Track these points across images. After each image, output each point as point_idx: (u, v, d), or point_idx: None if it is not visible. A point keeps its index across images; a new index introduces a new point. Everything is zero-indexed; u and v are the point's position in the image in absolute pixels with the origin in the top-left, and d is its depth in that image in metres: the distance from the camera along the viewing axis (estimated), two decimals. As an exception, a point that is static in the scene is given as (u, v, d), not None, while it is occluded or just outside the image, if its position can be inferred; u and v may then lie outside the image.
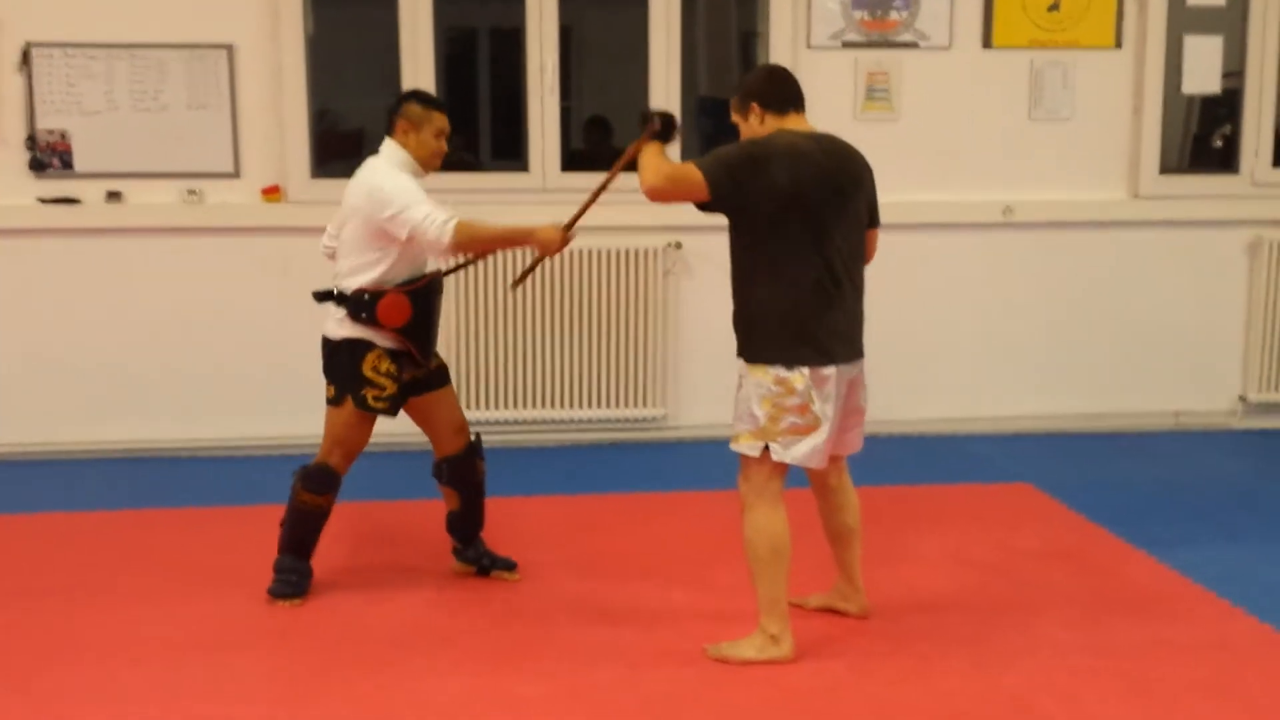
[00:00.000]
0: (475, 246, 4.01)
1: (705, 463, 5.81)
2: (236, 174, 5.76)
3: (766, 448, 3.58)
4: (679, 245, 5.96)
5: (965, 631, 3.85)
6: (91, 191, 5.67)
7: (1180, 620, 3.95)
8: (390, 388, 4.03)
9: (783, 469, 3.63)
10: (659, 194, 3.59)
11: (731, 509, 4.67)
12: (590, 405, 6.01)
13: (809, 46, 5.94)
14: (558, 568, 4.38)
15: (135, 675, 3.57)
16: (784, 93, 3.68)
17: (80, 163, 5.65)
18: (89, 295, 5.74)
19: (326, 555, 4.35)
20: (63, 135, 5.63)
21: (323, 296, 4.06)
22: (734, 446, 3.66)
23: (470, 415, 5.72)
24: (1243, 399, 6.40)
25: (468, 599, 4.12)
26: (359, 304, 3.97)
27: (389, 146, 4.06)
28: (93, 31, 5.58)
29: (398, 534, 4.67)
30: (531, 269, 4.31)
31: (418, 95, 4.15)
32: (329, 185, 5.80)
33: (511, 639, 3.82)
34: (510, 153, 5.94)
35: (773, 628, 3.62)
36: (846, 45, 5.96)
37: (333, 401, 4.07)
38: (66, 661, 3.66)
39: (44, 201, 5.64)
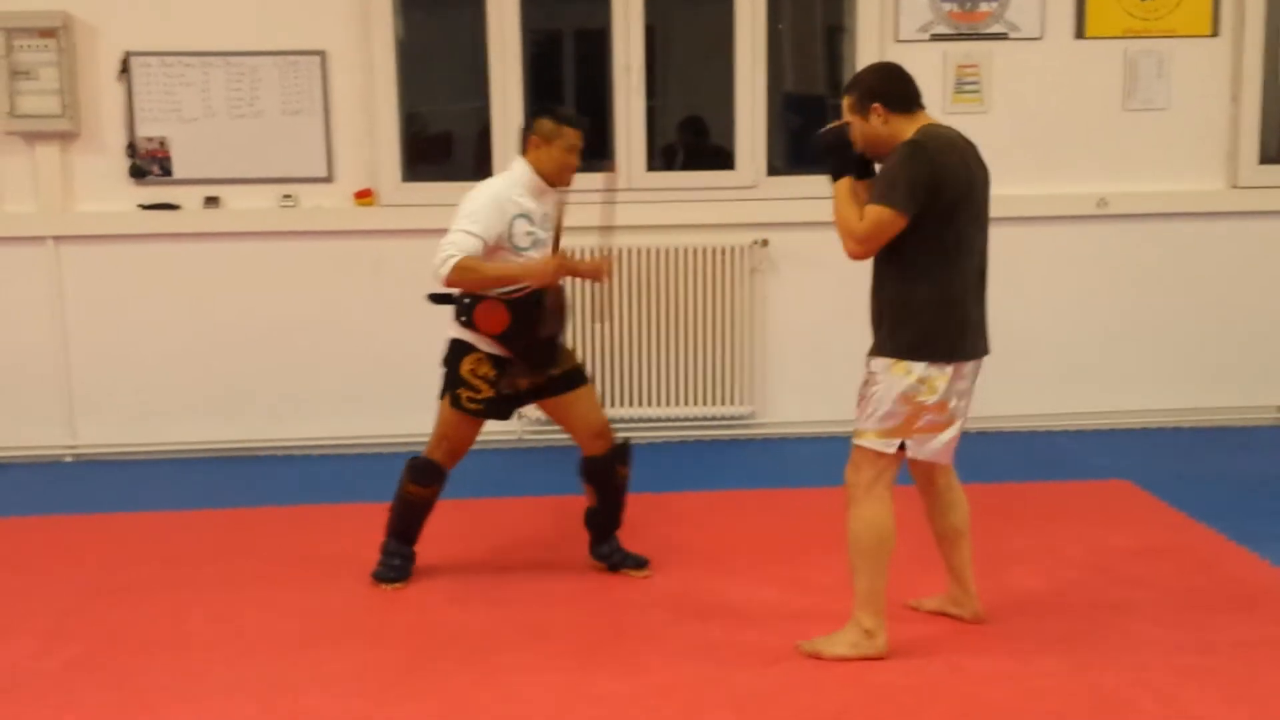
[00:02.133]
0: (469, 284, 3.98)
1: (793, 459, 5.81)
2: (330, 178, 5.85)
3: (901, 445, 3.53)
4: (765, 243, 5.94)
5: (1062, 630, 3.79)
6: (190, 197, 5.80)
7: (1284, 619, 3.86)
8: (485, 391, 4.09)
9: (897, 463, 3.58)
10: (861, 256, 3.53)
11: (822, 505, 4.65)
12: (678, 403, 6.02)
13: (897, 40, 5.89)
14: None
15: (231, 670, 3.64)
16: (907, 90, 3.57)
17: (179, 169, 5.78)
18: (188, 299, 5.86)
19: (424, 551, 4.41)
20: (162, 143, 5.76)
21: (439, 298, 4.15)
22: (861, 442, 3.58)
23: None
24: (1348, 392, 6.23)
25: (560, 595, 4.15)
26: (461, 307, 4.09)
27: (518, 163, 4.13)
28: (189, 41, 5.70)
29: (499, 530, 4.71)
30: (604, 308, 4.32)
31: (551, 110, 4.17)
32: (420, 189, 5.89)
33: (602, 635, 3.84)
34: (596, 153, 5.95)
35: (868, 622, 3.60)
36: (935, 38, 5.90)
37: (440, 396, 4.19)
38: (163, 656, 3.74)
39: (144, 208, 5.77)
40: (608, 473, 4.26)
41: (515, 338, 4.07)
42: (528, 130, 4.13)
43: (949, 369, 3.48)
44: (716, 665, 3.60)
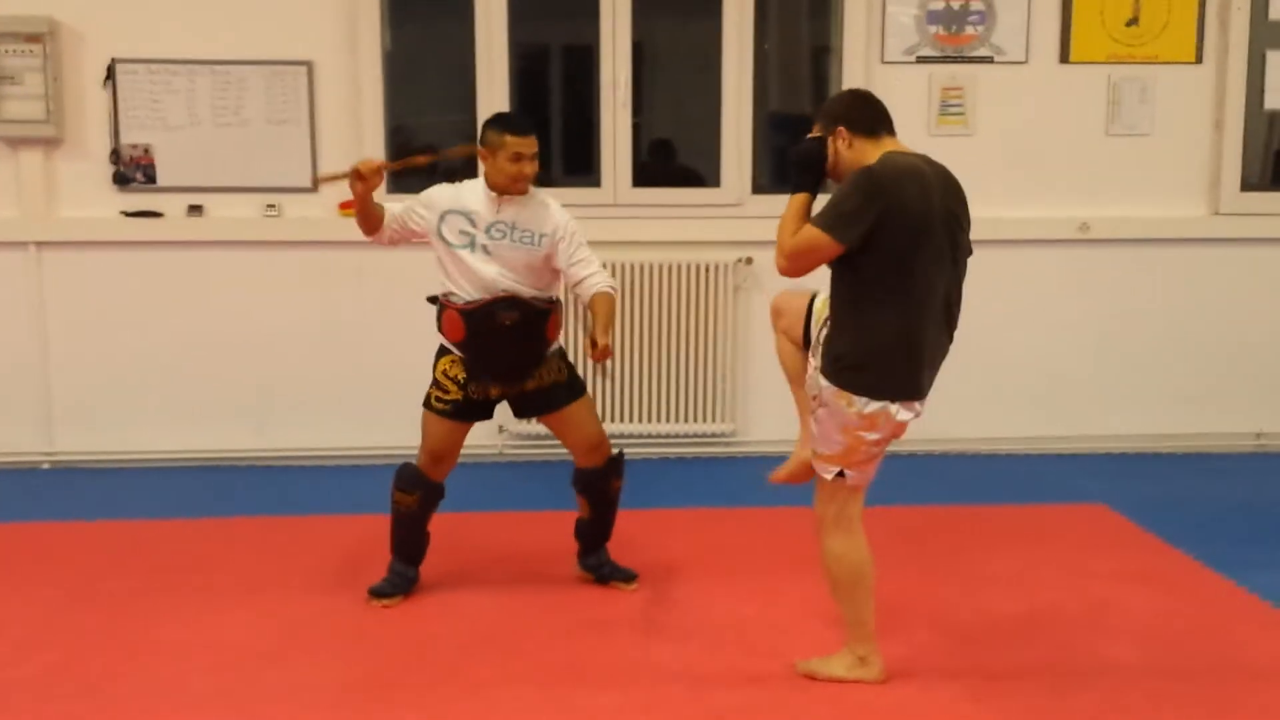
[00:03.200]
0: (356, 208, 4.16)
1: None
2: (315, 189, 5.84)
3: (841, 473, 3.50)
4: (750, 261, 5.95)
5: (1038, 652, 3.80)
6: (173, 205, 5.79)
7: (1260, 645, 3.87)
8: (454, 392, 4.12)
9: (859, 491, 3.56)
10: (788, 274, 3.45)
11: (801, 524, 4.66)
12: (659, 420, 6.02)
13: (883, 61, 5.92)
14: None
15: (207, 680, 3.62)
16: (872, 115, 3.48)
17: (163, 177, 5.77)
18: (170, 307, 5.85)
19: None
20: (146, 150, 5.75)
21: (434, 299, 4.21)
22: (813, 463, 3.58)
23: (539, 428, 5.78)
24: (1326, 420, 6.27)
25: (540, 609, 4.14)
26: (436, 311, 4.17)
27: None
28: (175, 49, 5.70)
29: (479, 544, 4.69)
30: (338, 176, 4.28)
31: (496, 119, 4.14)
32: (404, 201, 5.86)
33: (581, 650, 3.83)
34: (581, 167, 5.97)
35: (860, 650, 3.58)
36: (921, 60, 5.93)
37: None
38: (139, 665, 3.72)
39: (127, 215, 5.76)
40: (602, 485, 4.26)
41: (471, 347, 4.09)
42: (480, 140, 4.11)
43: (894, 409, 3.40)
44: (695, 682, 3.60)
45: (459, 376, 4.13)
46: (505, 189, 4.06)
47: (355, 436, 5.95)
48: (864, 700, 3.49)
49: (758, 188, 6.07)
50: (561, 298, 4.26)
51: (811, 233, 3.35)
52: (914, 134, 3.78)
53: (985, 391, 5.97)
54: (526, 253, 4.06)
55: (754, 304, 6.02)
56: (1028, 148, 6.02)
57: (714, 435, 6.09)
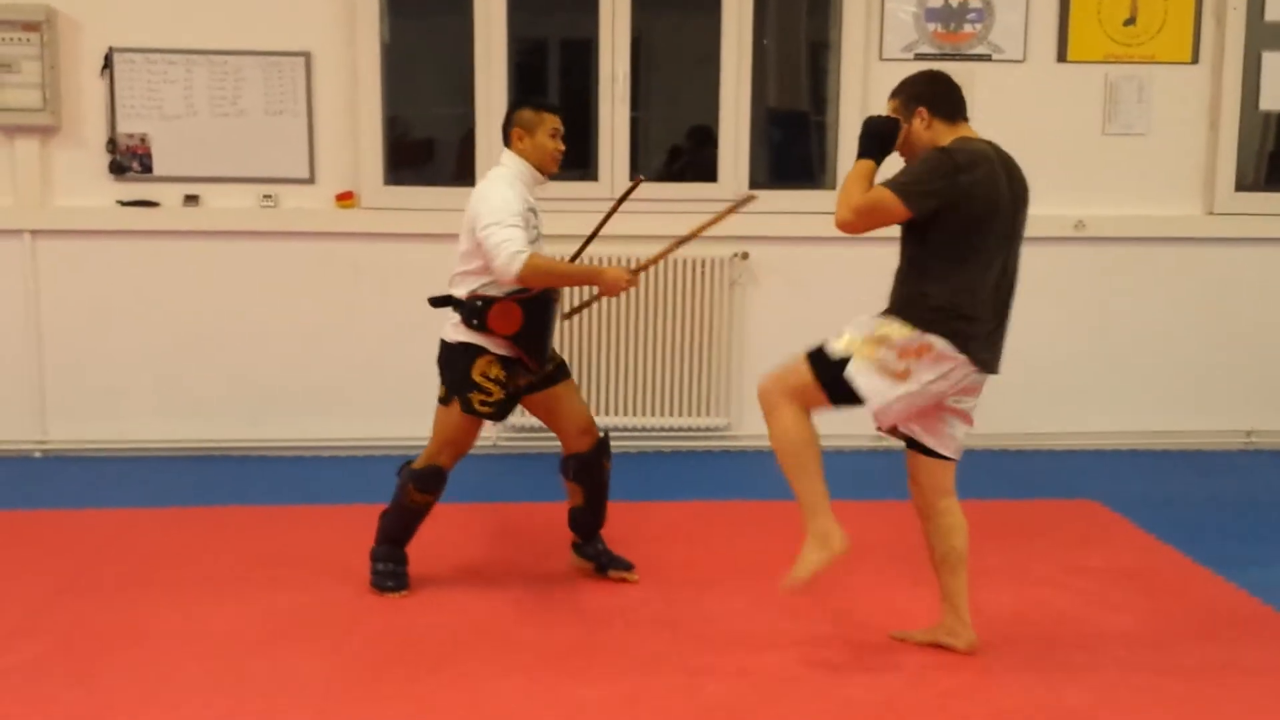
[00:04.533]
0: (542, 281, 3.96)
1: (768, 472, 5.77)
2: (311, 180, 5.85)
3: (844, 365, 3.49)
4: (745, 256, 5.96)
5: (1029, 648, 3.81)
6: (170, 195, 5.79)
7: (1249, 641, 3.88)
8: (497, 394, 4.08)
9: (820, 401, 3.56)
10: (849, 228, 3.51)
11: (796, 518, 4.67)
12: (654, 414, 6.03)
13: (881, 58, 5.93)
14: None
15: (197, 669, 3.62)
16: (952, 100, 3.57)
17: (159, 166, 5.77)
18: (165, 296, 5.85)
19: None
20: (143, 139, 5.75)
21: (439, 302, 4.13)
22: (811, 348, 3.59)
23: (533, 420, 5.78)
24: (1318, 419, 6.29)
25: (530, 601, 4.15)
26: (472, 310, 4.03)
27: (507, 156, 4.12)
28: (173, 38, 5.69)
29: (470, 536, 4.71)
30: (587, 304, 4.35)
31: (528, 100, 4.18)
32: (401, 192, 5.90)
33: (572, 642, 3.84)
34: (579, 162, 5.97)
35: (820, 525, 3.56)
36: (919, 57, 5.94)
37: (442, 401, 4.15)
38: (129, 654, 3.72)
39: (123, 204, 5.76)
40: (594, 467, 4.25)
41: (525, 337, 4.06)
42: (509, 124, 4.12)
43: (937, 346, 3.44)
44: (686, 675, 3.61)
45: (500, 376, 4.07)
46: (546, 167, 4.10)
47: (348, 428, 5.96)
48: (855, 695, 3.49)
49: (755, 183, 6.07)
50: None
51: (884, 194, 3.43)
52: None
53: (979, 388, 5.97)
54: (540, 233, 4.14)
55: (749, 299, 6.04)
56: (1024, 146, 5.88)
57: (708, 429, 6.10)
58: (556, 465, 4.32)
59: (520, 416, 5.64)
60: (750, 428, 6.11)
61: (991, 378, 3.68)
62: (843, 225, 3.53)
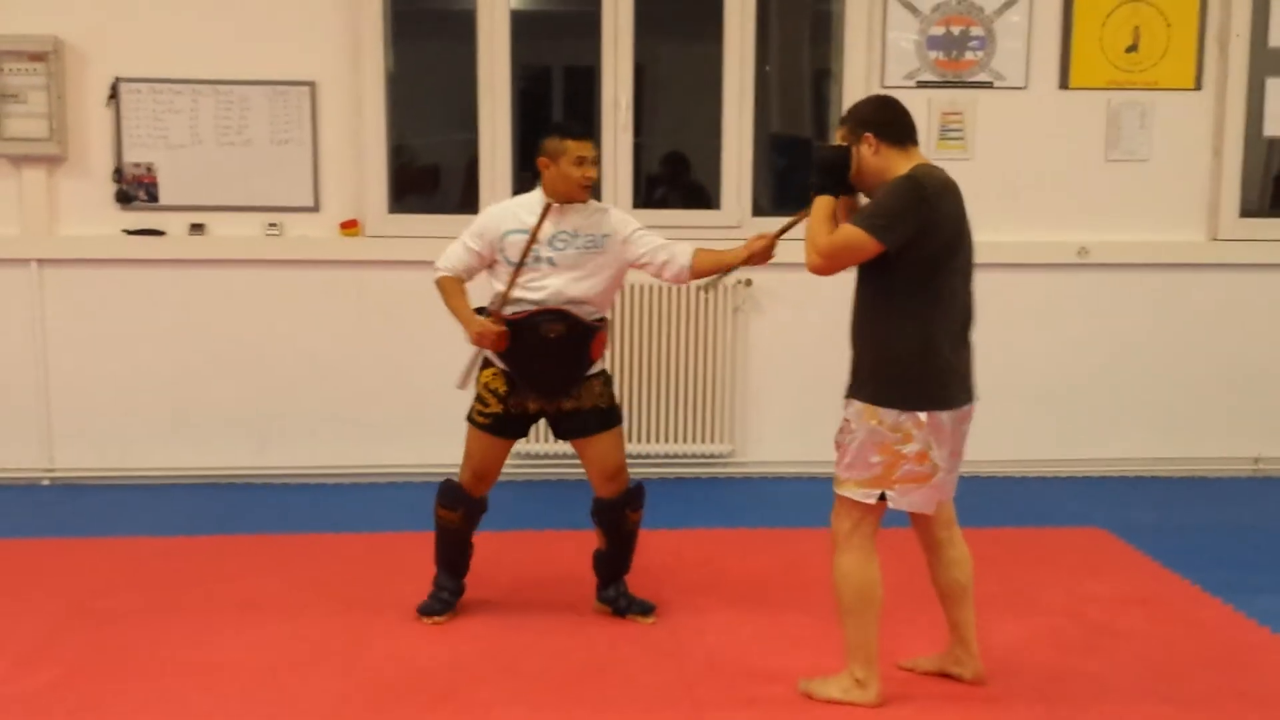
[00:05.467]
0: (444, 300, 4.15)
1: (772, 499, 5.82)
2: (316, 208, 5.86)
3: (882, 496, 3.47)
4: (749, 282, 5.97)
5: (1035, 677, 3.80)
6: (175, 224, 5.80)
7: (1257, 670, 3.87)
8: (494, 406, 4.12)
9: (877, 513, 3.51)
10: (821, 271, 3.47)
11: (801, 545, 4.68)
12: (659, 440, 6.02)
13: (883, 86, 5.94)
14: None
15: (205, 698, 3.62)
16: (901, 125, 3.50)
17: (165, 195, 5.79)
18: (170, 325, 5.85)
19: (399, 583, 4.40)
20: (148, 168, 5.77)
21: (480, 310, 4.18)
22: (841, 491, 3.52)
23: (539, 448, 5.79)
24: (1324, 446, 6.28)
25: (535, 630, 4.14)
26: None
27: (537, 189, 4.13)
28: (179, 68, 5.72)
29: (481, 565, 4.69)
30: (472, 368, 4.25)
31: (555, 126, 4.15)
32: (406, 220, 5.91)
33: (577, 672, 3.83)
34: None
35: (859, 673, 3.56)
36: (921, 85, 5.96)
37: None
38: (138, 683, 3.72)
39: (129, 233, 5.78)
40: (617, 516, 4.22)
41: (514, 359, 4.08)
42: (539, 153, 4.10)
43: (924, 417, 3.40)
44: (692, 706, 3.60)
45: (499, 389, 4.12)
46: (570, 195, 4.05)
47: (356, 455, 5.96)
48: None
49: (758, 210, 6.09)
50: (609, 317, 4.26)
51: (853, 232, 3.37)
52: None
53: (983, 415, 5.89)
54: (593, 257, 4.07)
55: (752, 325, 6.04)
56: (1027, 172, 6.04)
57: (713, 456, 6.09)
58: (566, 492, 4.32)
59: (531, 443, 5.65)
60: (754, 454, 6.12)
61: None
62: (814, 269, 3.47)
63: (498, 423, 4.14)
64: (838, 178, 3.52)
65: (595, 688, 3.71)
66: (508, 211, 4.11)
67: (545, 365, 4.09)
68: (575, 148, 4.02)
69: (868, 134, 3.47)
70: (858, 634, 3.55)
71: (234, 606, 4.32)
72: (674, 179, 6.36)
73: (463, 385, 4.19)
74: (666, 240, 4.15)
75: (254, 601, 4.37)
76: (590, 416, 4.17)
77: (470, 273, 4.13)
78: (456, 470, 4.25)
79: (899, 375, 3.42)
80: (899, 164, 3.45)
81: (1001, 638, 4.08)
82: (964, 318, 3.52)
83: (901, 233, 3.33)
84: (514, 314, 4.04)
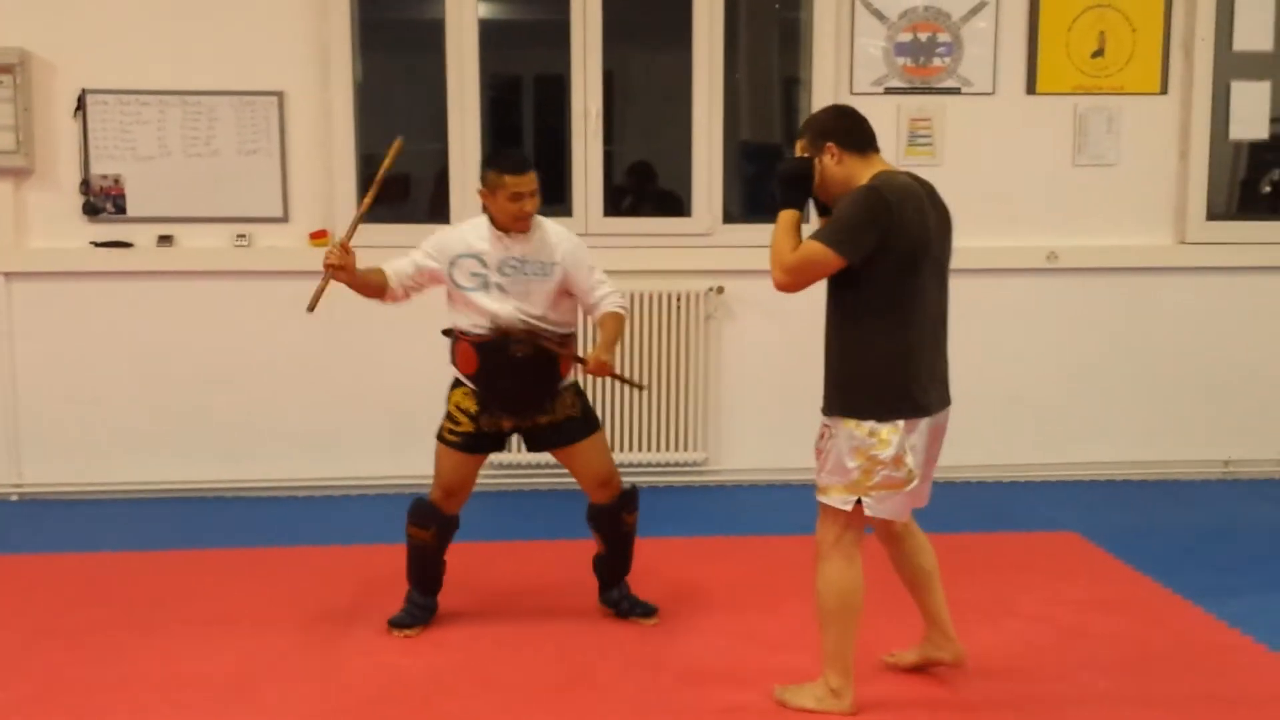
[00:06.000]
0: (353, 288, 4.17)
1: (746, 507, 5.81)
2: (285, 219, 5.84)
3: (859, 502, 3.46)
4: (721, 290, 5.97)
5: (1009, 682, 3.81)
6: (143, 235, 5.77)
7: (1230, 673, 3.89)
8: (465, 425, 4.12)
9: (861, 519, 3.50)
10: (786, 289, 3.45)
11: (774, 553, 4.68)
12: (631, 449, 6.02)
13: (851, 92, 5.96)
14: (602, 612, 4.38)
15: (176, 714, 3.59)
16: (861, 132, 3.49)
17: (133, 207, 5.75)
18: (140, 337, 5.82)
19: (373, 594, 4.38)
20: (116, 180, 5.73)
21: (448, 332, 4.21)
22: (822, 499, 3.51)
23: (510, 459, 5.77)
24: (1293, 448, 6.33)
25: (515, 641, 4.12)
26: (450, 343, 4.16)
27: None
28: (146, 79, 5.69)
29: (454, 576, 4.68)
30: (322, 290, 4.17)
31: (494, 159, 4.13)
32: (376, 230, 5.85)
33: (555, 682, 3.82)
34: (554, 196, 5.98)
35: (834, 681, 3.55)
36: (889, 91, 5.98)
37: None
38: (109, 699, 3.69)
39: (97, 245, 5.74)
40: (613, 520, 4.25)
41: (483, 379, 4.08)
42: (480, 181, 4.11)
43: (900, 424, 3.41)
44: (669, 714, 3.59)
45: (470, 409, 4.12)
46: (508, 228, 4.07)
47: (327, 468, 5.93)
48: None
49: (729, 217, 6.10)
50: (578, 332, 4.29)
51: (814, 247, 3.36)
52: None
53: (956, 420, 5.89)
54: (542, 284, 4.09)
55: (725, 333, 6.05)
56: (995, 178, 6.06)
57: (686, 464, 6.09)
58: (542, 502, 4.31)
59: (504, 453, 5.62)
60: (728, 462, 6.12)
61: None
62: (780, 287, 3.46)
63: (469, 440, 4.15)
64: (802, 189, 3.51)
65: (572, 698, 3.70)
66: (459, 235, 4.15)
67: (514, 384, 4.09)
68: (512, 183, 4.00)
69: (829, 144, 3.46)
70: (836, 642, 3.54)
71: (205, 621, 4.29)
72: (641, 188, 6.35)
73: (310, 308, 4.09)
74: (603, 289, 4.18)
75: (225, 616, 4.34)
76: (568, 427, 4.19)
77: (405, 286, 4.12)
78: (428, 482, 4.23)
79: (872, 388, 3.41)
80: (862, 172, 3.44)
81: (975, 643, 4.07)
82: (936, 322, 3.52)
83: (863, 244, 3.31)
84: (481, 336, 4.05)
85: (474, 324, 4.06)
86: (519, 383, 4.09)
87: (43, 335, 5.78)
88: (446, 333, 4.17)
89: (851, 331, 3.45)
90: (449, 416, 4.16)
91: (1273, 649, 4.04)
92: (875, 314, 3.40)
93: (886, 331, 3.40)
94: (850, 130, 3.49)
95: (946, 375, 3.59)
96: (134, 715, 3.59)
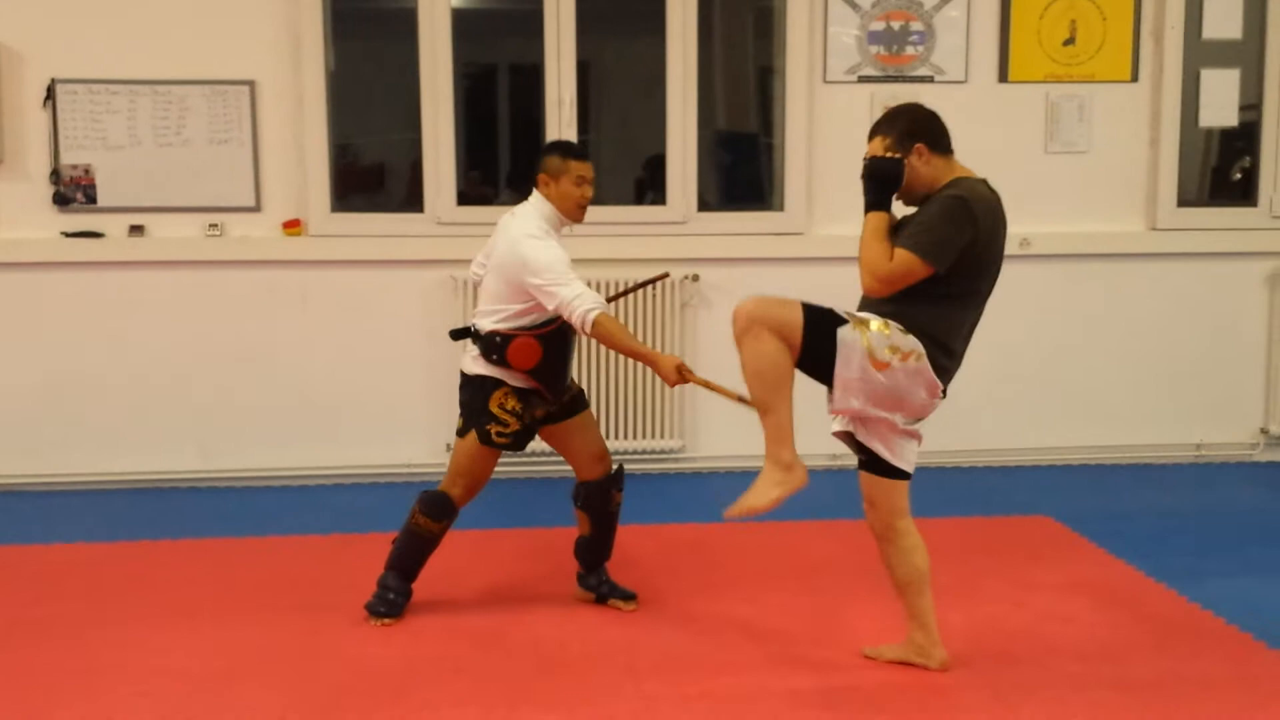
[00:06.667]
0: (608, 343, 4.07)
1: (722, 494, 5.77)
2: (258, 208, 5.81)
3: (839, 322, 3.45)
4: (696, 278, 5.98)
5: (982, 665, 3.83)
6: (114, 225, 5.73)
7: (1200, 654, 3.91)
8: (514, 425, 4.11)
9: (799, 319, 3.47)
10: (880, 294, 3.49)
11: (749, 540, 4.69)
12: (609, 437, 6.00)
13: (825, 81, 5.98)
14: (575, 600, 4.38)
15: (147, 706, 3.57)
16: (946, 134, 3.57)
17: (103, 197, 5.72)
18: (111, 328, 5.79)
19: (349, 584, 4.37)
20: (86, 170, 5.69)
21: (460, 334, 4.19)
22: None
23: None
24: (1264, 431, 6.37)
25: (489, 629, 4.12)
26: (491, 345, 4.07)
27: (535, 199, 4.15)
28: (116, 68, 5.65)
29: (431, 565, 4.68)
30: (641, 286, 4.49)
31: (557, 146, 4.19)
32: (349, 219, 5.87)
33: (528, 670, 3.82)
34: (529, 186, 5.97)
35: (785, 455, 3.54)
36: (862, 80, 6.00)
37: (460, 433, 4.17)
38: (81, 691, 3.67)
39: (67, 235, 5.70)
40: (605, 498, 4.26)
41: (543, 371, 4.10)
42: (538, 169, 4.13)
43: (922, 352, 3.47)
44: (642, 701, 3.60)
45: (516, 408, 4.10)
46: (571, 215, 4.12)
47: (299, 457, 5.91)
48: (810, 718, 3.49)
49: (704, 205, 6.10)
50: None
51: (908, 259, 3.43)
52: (855, 153, 3.85)
53: (930, 406, 6.01)
54: None
55: (701, 320, 6.05)
56: (968, 165, 6.02)
57: (662, 452, 6.10)
58: (522, 491, 4.30)
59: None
60: (705, 449, 6.13)
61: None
62: (870, 293, 3.53)
63: (517, 439, 4.15)
64: (891, 190, 3.55)
65: (545, 685, 3.70)
66: (555, 239, 4.08)
67: (566, 367, 4.18)
68: (577, 168, 4.09)
69: (920, 144, 3.52)
70: (780, 409, 3.53)
71: (177, 612, 4.27)
72: (655, 182, 6.30)
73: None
74: None
75: (197, 607, 4.32)
76: (576, 400, 4.28)
77: (502, 300, 4.07)
78: (401, 470, 4.23)
79: (924, 338, 3.49)
80: (944, 173, 3.53)
81: (948, 627, 4.08)
82: (974, 324, 3.62)
83: (951, 255, 3.41)
84: (543, 327, 4.06)
85: (538, 319, 4.05)
86: (566, 365, 4.18)
87: (12, 326, 5.75)
88: (459, 335, 4.17)
89: (902, 309, 3.49)
90: (494, 419, 4.09)
91: (1244, 630, 4.07)
92: (930, 302, 3.47)
93: (934, 317, 3.48)
94: (939, 132, 3.57)
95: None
96: (105, 707, 3.57)
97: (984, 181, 3.58)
